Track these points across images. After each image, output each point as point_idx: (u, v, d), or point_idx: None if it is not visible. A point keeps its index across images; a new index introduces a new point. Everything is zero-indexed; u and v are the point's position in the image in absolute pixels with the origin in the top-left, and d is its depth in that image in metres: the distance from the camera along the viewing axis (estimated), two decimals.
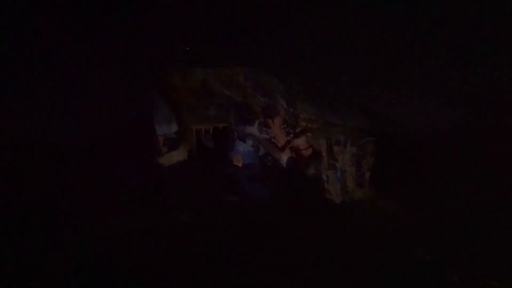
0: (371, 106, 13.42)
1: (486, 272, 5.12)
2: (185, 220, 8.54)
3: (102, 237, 6.83)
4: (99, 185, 10.37)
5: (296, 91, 10.83)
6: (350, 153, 9.30)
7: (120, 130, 10.97)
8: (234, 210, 8.48)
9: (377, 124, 12.45)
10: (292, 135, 9.16)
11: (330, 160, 10.00)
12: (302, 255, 5.92)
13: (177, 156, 10.37)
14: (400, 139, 11.58)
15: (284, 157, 9.20)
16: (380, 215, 8.38)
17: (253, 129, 9.38)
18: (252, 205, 8.86)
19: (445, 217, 7.88)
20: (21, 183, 9.47)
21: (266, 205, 8.77)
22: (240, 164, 9.29)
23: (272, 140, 9.38)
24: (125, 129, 10.75)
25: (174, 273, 4.90)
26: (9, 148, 10.52)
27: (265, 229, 7.23)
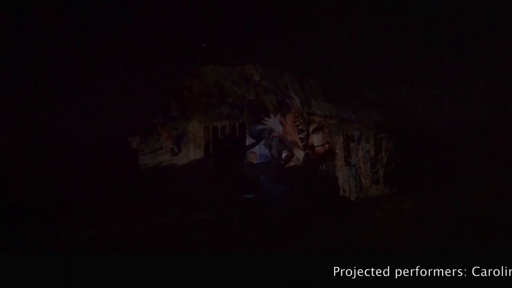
0: (389, 103, 13.14)
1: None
2: (201, 218, 8.66)
3: (116, 235, 7.01)
4: (114, 184, 10.67)
5: (311, 88, 10.74)
6: (364, 150, 9.17)
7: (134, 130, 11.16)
8: (250, 208, 8.50)
9: (395, 120, 12.20)
10: (305, 132, 9.09)
11: (345, 157, 9.90)
12: (318, 252, 5.86)
13: (193, 154, 10.51)
14: (417, 135, 11.32)
15: (299, 154, 9.16)
16: (396, 212, 8.24)
17: (270, 126, 9.34)
18: (268, 202, 8.87)
19: (462, 214, 7.68)
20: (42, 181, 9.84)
21: (281, 203, 8.76)
22: (254, 161, 9.27)
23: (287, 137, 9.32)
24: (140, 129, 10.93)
25: (188, 269, 4.92)
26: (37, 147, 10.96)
27: (281, 227, 7.23)
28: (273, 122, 9.19)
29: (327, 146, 9.25)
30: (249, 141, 9.56)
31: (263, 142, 9.38)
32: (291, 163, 9.17)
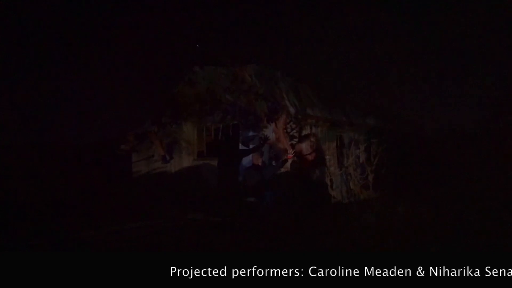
0: (383, 106, 13.31)
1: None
2: (199, 218, 8.69)
3: (116, 236, 7.02)
4: (113, 186, 10.66)
5: (307, 95, 10.88)
6: (354, 155, 9.32)
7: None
8: (249, 211, 8.55)
9: (388, 124, 12.39)
10: (297, 139, 9.22)
11: (335, 163, 10.05)
12: (312, 254, 5.94)
13: (187, 159, 10.57)
14: (411, 139, 11.52)
15: (289, 161, 9.28)
16: (387, 216, 8.33)
17: (265, 132, 9.41)
18: (264, 206, 8.94)
19: (456, 217, 7.79)
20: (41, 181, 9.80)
21: (275, 208, 8.83)
22: (260, 163, 9.19)
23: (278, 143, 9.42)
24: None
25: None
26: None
27: (276, 230, 7.30)
28: (268, 130, 9.28)
29: (314, 154, 9.35)
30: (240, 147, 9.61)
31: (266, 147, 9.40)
32: (282, 170, 9.27)
